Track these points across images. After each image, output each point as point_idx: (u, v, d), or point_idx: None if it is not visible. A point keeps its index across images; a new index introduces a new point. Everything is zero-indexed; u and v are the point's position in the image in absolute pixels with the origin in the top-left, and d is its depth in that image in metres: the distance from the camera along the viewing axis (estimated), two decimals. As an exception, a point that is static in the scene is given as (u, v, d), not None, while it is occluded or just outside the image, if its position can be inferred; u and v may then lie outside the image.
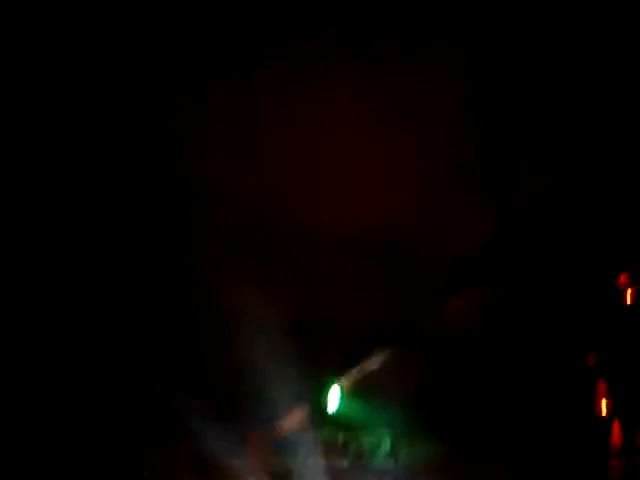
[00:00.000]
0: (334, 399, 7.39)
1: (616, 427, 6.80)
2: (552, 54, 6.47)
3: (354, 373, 7.48)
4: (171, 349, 7.24)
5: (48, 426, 6.74)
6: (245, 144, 6.47)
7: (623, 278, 6.87)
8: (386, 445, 7.29)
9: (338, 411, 7.40)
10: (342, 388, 7.44)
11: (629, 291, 6.82)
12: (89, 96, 5.51)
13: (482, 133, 6.70)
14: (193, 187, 6.64)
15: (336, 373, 7.45)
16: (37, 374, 6.81)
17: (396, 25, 5.97)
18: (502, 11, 6.06)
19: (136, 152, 6.27)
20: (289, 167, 6.65)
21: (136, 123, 6.06)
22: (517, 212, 7.07)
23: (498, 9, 6.02)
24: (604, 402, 6.83)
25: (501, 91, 6.48)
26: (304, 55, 5.95)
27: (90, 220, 6.32)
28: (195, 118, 6.23)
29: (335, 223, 6.98)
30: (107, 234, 6.50)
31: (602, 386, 6.83)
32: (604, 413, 6.82)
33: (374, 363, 7.46)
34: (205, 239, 6.87)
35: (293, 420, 7.35)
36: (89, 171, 5.88)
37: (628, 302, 6.82)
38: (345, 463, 7.23)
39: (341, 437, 7.37)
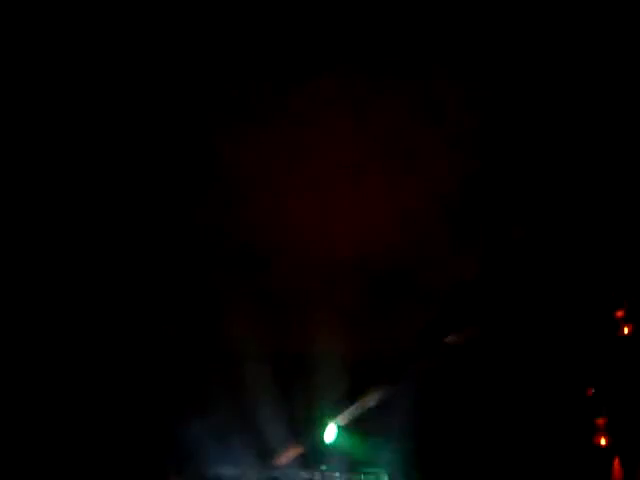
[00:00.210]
0: (331, 436, 7.34)
1: (616, 461, 6.75)
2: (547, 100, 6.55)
3: (351, 410, 7.43)
4: (167, 384, 7.19)
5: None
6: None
7: (621, 312, 6.89)
8: (384, 480, 7.24)
9: (335, 448, 7.34)
10: (339, 425, 7.39)
11: (627, 325, 6.84)
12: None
13: (474, 170, 6.76)
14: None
15: (333, 410, 7.41)
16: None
17: (388, 67, 6.03)
18: (494, 52, 6.14)
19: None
20: (282, 204, 6.66)
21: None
22: (512, 243, 7.11)
23: (489, 51, 6.09)
24: (604, 436, 6.80)
25: (493, 127, 6.56)
26: (300, 103, 6.00)
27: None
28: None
29: (332, 259, 6.99)
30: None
31: (602, 419, 6.81)
32: (604, 447, 6.78)
33: (371, 400, 7.42)
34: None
35: (289, 457, 7.29)
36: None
37: (626, 335, 6.83)
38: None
39: (338, 474, 7.30)
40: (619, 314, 6.87)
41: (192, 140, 6.08)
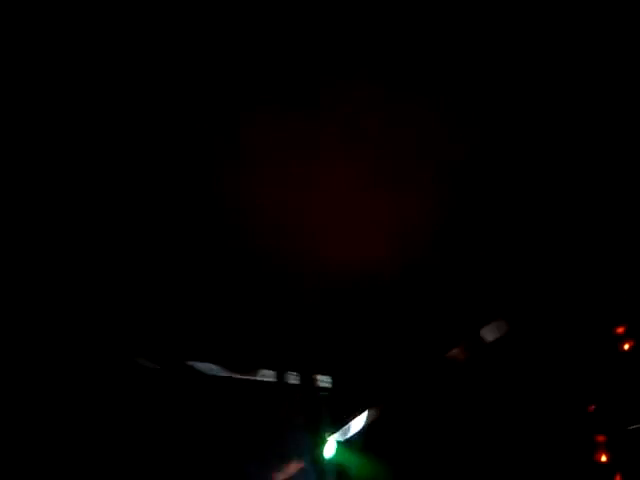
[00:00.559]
0: (330, 451, 7.32)
1: (617, 478, 6.70)
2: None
3: (351, 426, 7.42)
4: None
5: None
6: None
7: (621, 329, 6.89)
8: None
9: (334, 464, 7.32)
10: (338, 441, 7.37)
11: (627, 341, 6.83)
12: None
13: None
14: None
15: (332, 425, 7.40)
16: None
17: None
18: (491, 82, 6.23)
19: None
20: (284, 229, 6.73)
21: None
22: (514, 263, 7.14)
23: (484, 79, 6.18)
24: (604, 453, 6.75)
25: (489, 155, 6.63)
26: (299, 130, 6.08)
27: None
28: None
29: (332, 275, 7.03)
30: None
31: (602, 436, 6.76)
32: (604, 464, 6.73)
33: (371, 416, 7.41)
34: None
35: (289, 472, 7.26)
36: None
37: (626, 351, 6.81)
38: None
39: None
40: (620, 330, 6.87)
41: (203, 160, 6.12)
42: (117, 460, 6.83)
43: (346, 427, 7.38)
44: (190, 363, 7.33)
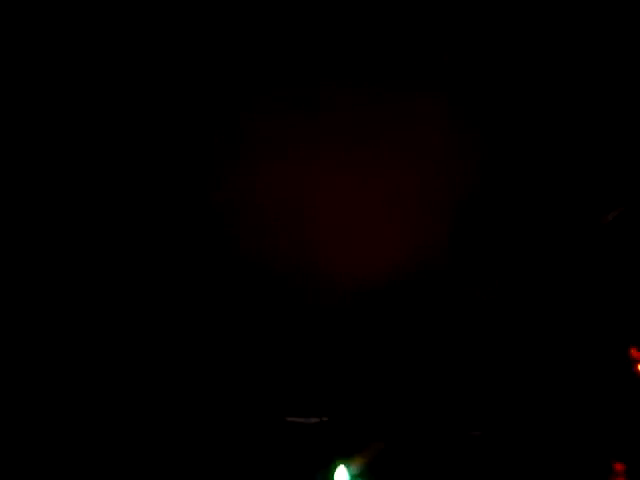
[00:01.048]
0: (341, 478, 7.21)
1: (631, 502, 6.75)
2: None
3: (363, 454, 7.31)
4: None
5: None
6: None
7: (634, 351, 6.94)
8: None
9: (346, 493, 7.20)
10: (350, 469, 7.26)
11: (640, 364, 6.89)
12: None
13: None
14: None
15: (344, 454, 7.29)
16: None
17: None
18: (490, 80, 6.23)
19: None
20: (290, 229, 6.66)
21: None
22: (524, 277, 7.14)
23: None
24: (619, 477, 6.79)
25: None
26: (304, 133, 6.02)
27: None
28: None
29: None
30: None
31: (619, 464, 6.80)
32: (620, 488, 6.78)
33: (382, 445, 7.32)
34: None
35: (300, 503, 7.13)
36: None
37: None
38: None
39: (348, 517, 7.15)
40: (634, 352, 6.92)
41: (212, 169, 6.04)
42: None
43: (358, 454, 7.27)
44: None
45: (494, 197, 6.90)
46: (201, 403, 7.18)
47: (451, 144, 6.59)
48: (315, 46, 5.73)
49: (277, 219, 6.56)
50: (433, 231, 6.84)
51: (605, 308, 7.06)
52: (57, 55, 5.31)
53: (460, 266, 7.03)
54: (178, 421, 7.12)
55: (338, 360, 7.23)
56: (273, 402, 7.21)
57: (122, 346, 6.82)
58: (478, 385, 7.18)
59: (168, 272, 6.67)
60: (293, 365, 7.22)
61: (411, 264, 6.90)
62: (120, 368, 6.90)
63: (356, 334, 7.15)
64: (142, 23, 5.24)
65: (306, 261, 6.76)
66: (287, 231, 6.64)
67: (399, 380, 7.32)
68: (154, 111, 5.81)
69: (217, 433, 7.16)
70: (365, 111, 6.29)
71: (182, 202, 6.37)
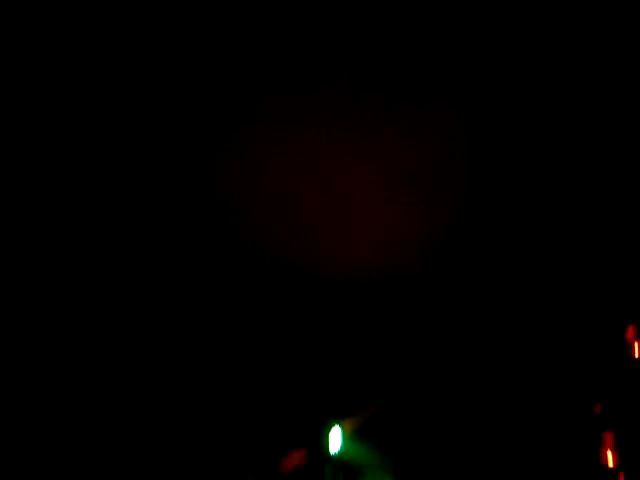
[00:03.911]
0: (335, 441, 7.26)
1: (622, 478, 6.82)
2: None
3: (357, 416, 7.38)
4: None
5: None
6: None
7: (631, 331, 7.02)
8: (387, 488, 7.18)
9: (339, 453, 7.26)
10: (343, 430, 7.32)
11: (637, 344, 6.96)
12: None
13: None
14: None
15: (338, 415, 7.35)
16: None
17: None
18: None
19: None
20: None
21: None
22: (525, 257, 7.22)
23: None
24: (610, 453, 6.86)
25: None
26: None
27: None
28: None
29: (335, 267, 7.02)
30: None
31: (609, 437, 6.88)
32: (610, 464, 6.84)
33: (377, 408, 7.39)
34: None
35: (293, 461, 7.19)
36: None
37: (636, 355, 6.95)
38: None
39: (341, 478, 7.21)
40: (630, 333, 7.00)
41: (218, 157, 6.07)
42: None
43: (353, 417, 7.34)
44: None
45: (494, 184, 6.98)
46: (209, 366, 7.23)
47: (452, 131, 6.64)
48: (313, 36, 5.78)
49: (274, 208, 6.61)
50: (433, 218, 6.91)
51: (603, 287, 7.15)
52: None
53: (458, 253, 7.12)
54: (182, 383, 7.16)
55: (338, 334, 7.31)
56: (274, 372, 7.27)
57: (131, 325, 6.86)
58: (472, 354, 7.26)
59: (168, 262, 6.71)
60: (298, 338, 7.28)
61: (410, 248, 6.96)
62: (131, 349, 6.97)
63: (355, 312, 7.23)
64: (139, 10, 5.28)
65: (305, 249, 6.82)
66: (285, 220, 6.70)
67: (395, 350, 7.41)
68: (154, 104, 5.84)
69: (219, 402, 7.19)
70: (364, 99, 6.33)
71: (180, 193, 6.42)
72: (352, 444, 7.31)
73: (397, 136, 6.41)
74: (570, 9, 6.11)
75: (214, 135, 6.04)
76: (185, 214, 6.49)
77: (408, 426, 7.29)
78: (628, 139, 6.76)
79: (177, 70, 5.60)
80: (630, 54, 6.35)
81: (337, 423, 7.34)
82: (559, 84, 6.41)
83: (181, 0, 5.38)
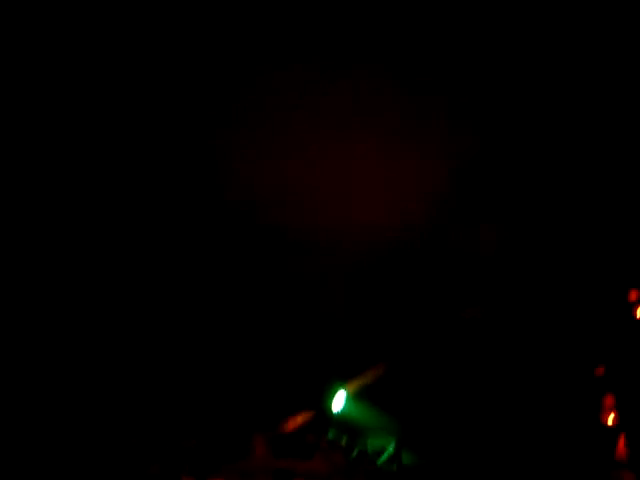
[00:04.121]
0: (339, 402, 7.35)
1: (622, 439, 6.85)
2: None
3: (361, 378, 7.45)
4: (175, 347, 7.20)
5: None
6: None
7: (634, 294, 7.04)
8: (390, 448, 7.24)
9: (343, 414, 7.35)
10: (348, 392, 7.40)
11: (640, 307, 6.99)
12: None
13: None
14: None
15: (342, 377, 7.43)
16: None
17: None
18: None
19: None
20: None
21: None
22: (528, 222, 7.24)
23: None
24: (611, 414, 6.90)
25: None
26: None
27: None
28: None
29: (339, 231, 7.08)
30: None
31: (610, 398, 6.91)
32: (611, 425, 6.88)
33: (381, 369, 7.46)
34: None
35: (297, 422, 7.27)
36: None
37: (639, 317, 6.97)
38: (348, 465, 7.16)
39: (345, 440, 7.30)
40: (633, 296, 7.02)
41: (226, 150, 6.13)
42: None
43: (356, 378, 7.42)
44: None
45: (491, 162, 7.02)
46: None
47: (451, 113, 6.65)
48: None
49: (282, 189, 6.68)
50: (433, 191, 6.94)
51: (606, 252, 7.17)
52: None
53: (458, 230, 7.17)
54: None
55: (343, 297, 7.38)
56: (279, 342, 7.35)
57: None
58: (476, 315, 7.31)
59: (179, 243, 6.80)
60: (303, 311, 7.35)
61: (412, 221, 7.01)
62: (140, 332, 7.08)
63: (358, 274, 7.30)
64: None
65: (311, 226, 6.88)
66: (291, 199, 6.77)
67: (399, 311, 7.47)
68: (156, 95, 5.87)
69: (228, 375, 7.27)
70: (368, 83, 6.35)
71: (187, 179, 6.49)
72: (356, 406, 7.40)
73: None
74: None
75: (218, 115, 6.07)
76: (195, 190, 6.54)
77: (412, 388, 7.36)
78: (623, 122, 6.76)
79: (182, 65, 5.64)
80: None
81: (341, 385, 7.43)
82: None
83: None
